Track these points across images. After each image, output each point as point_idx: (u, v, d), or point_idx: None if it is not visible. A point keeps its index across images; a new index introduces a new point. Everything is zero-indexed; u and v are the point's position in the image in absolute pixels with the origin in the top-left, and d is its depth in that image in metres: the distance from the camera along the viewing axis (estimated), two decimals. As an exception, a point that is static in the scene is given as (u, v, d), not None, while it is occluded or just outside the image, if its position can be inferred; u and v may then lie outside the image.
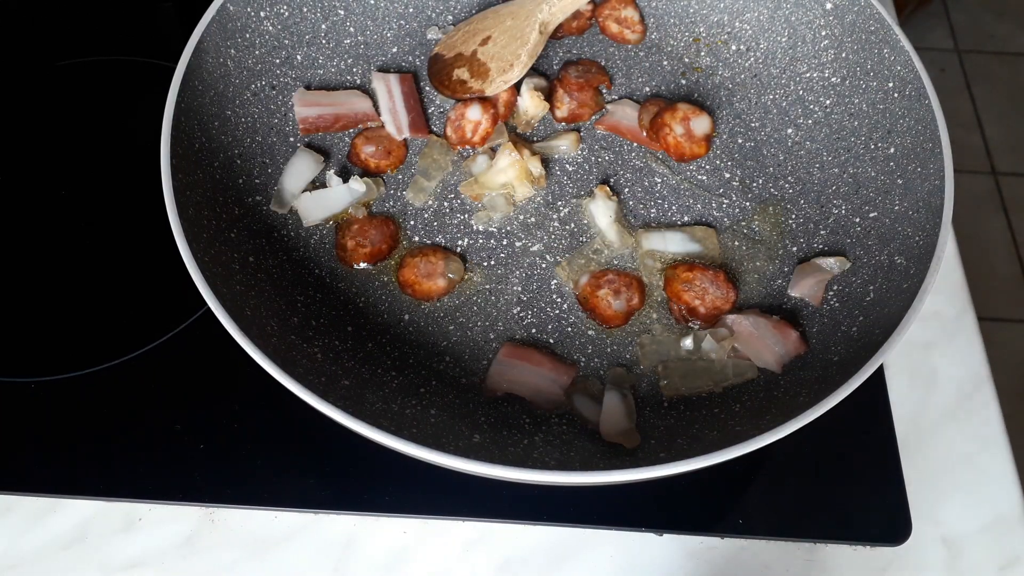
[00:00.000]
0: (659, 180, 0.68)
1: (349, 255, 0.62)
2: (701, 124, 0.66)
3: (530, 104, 0.68)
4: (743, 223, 0.66)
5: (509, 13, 0.69)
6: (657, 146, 0.68)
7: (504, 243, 0.64)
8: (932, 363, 0.67)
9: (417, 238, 0.64)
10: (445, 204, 0.66)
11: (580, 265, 0.63)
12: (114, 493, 0.59)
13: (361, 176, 0.65)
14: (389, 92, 0.69)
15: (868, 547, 0.59)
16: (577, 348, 0.60)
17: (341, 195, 0.64)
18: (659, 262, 0.63)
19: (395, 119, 0.68)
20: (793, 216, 0.66)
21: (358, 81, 0.71)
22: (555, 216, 0.66)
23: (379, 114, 0.68)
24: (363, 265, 0.62)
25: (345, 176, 0.65)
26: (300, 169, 0.65)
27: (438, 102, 0.71)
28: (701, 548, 0.59)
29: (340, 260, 0.63)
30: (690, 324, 0.60)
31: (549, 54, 0.74)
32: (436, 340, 0.60)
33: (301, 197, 0.64)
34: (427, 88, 0.71)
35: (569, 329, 0.61)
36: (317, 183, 0.66)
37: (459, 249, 0.64)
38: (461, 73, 0.69)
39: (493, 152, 0.67)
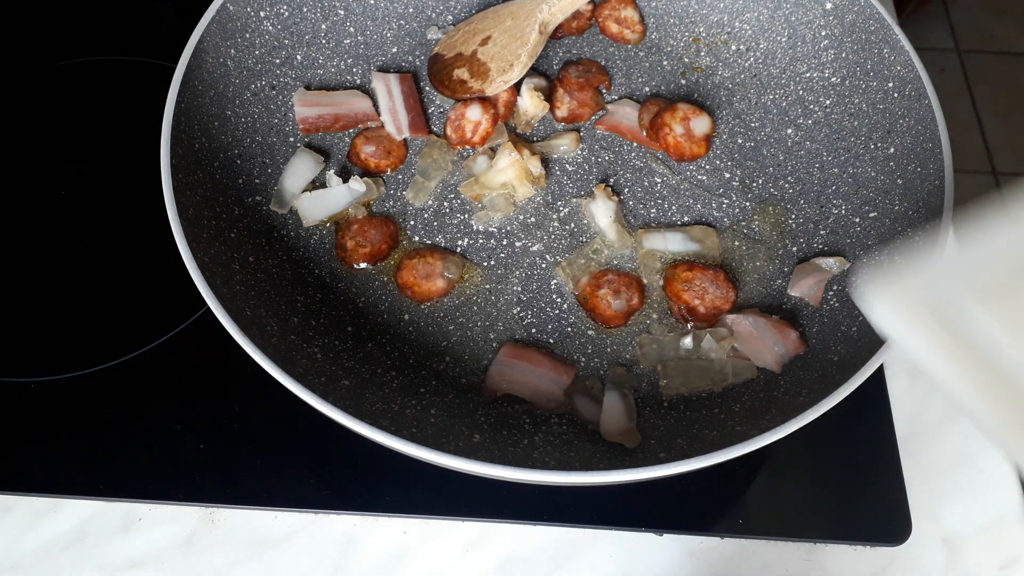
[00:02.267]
0: (659, 180, 0.68)
1: (349, 255, 0.62)
2: (701, 124, 0.66)
3: (530, 104, 0.68)
4: (743, 223, 0.66)
5: (509, 13, 0.69)
6: (657, 146, 0.68)
7: (504, 243, 0.64)
8: (932, 363, 0.67)
9: (417, 238, 0.64)
10: (445, 204, 0.66)
11: (580, 265, 0.63)
12: (114, 493, 0.59)
13: (361, 176, 0.65)
14: (389, 92, 0.69)
15: (868, 547, 0.59)
16: (577, 348, 0.60)
17: (341, 195, 0.64)
18: (659, 262, 0.63)
19: (395, 119, 0.68)
20: (793, 216, 0.66)
21: (358, 81, 0.71)
22: (555, 216, 0.66)
23: (379, 114, 0.68)
24: (363, 265, 0.62)
25: (345, 176, 0.65)
26: (300, 169, 0.65)
27: (438, 102, 0.71)
28: (701, 548, 0.59)
29: (340, 260, 0.63)
30: (690, 324, 0.60)
31: (549, 54, 0.74)
32: (436, 340, 0.60)
33: (301, 197, 0.64)
34: (427, 88, 0.71)
35: (569, 329, 0.61)
36: (317, 183, 0.66)
37: (459, 249, 0.64)
38: (461, 73, 0.69)
39: (493, 152, 0.67)
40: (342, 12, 0.70)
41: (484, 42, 0.69)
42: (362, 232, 0.62)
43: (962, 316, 0.26)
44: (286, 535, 0.59)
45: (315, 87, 0.69)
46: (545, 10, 0.66)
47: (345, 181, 0.64)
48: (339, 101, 0.68)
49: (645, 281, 0.62)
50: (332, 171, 0.65)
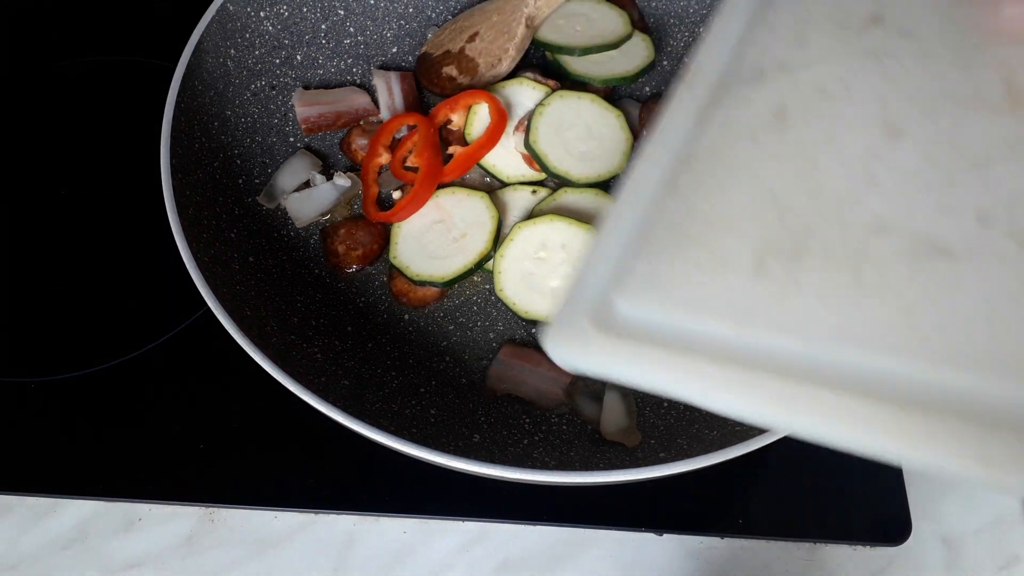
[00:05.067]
0: (659, 180, 0.68)
1: (342, 260, 0.62)
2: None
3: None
4: (743, 223, 0.66)
5: (495, 9, 0.69)
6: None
7: (504, 243, 0.64)
8: (932, 363, 0.67)
9: (417, 238, 0.64)
10: (445, 204, 0.66)
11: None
12: (114, 493, 0.59)
13: (346, 172, 0.65)
14: (389, 89, 0.69)
15: (868, 547, 0.59)
16: (577, 348, 0.60)
17: (327, 192, 0.64)
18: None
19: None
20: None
21: (358, 81, 0.71)
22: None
23: (379, 110, 0.68)
24: (356, 268, 0.62)
25: (329, 176, 0.65)
26: (296, 168, 0.65)
27: (422, 97, 0.71)
28: (701, 548, 0.59)
29: (334, 267, 0.62)
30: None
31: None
32: (436, 340, 0.60)
33: (289, 199, 0.64)
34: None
35: (569, 329, 0.61)
36: (302, 185, 0.65)
37: (459, 249, 0.64)
38: (450, 70, 0.69)
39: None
40: (342, 12, 0.70)
41: (471, 39, 0.69)
42: (350, 235, 0.62)
43: (612, 311, 0.32)
44: (286, 535, 0.59)
45: (315, 87, 0.69)
46: (531, 4, 0.66)
47: (329, 179, 0.65)
48: (339, 98, 0.68)
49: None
50: (315, 171, 0.65)
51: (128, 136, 0.76)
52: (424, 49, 0.72)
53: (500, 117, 0.62)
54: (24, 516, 0.59)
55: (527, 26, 0.67)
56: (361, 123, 0.68)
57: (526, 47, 0.68)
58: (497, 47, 0.67)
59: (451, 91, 0.68)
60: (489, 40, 0.68)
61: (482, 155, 0.62)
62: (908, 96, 0.33)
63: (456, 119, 0.65)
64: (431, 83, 0.70)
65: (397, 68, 0.72)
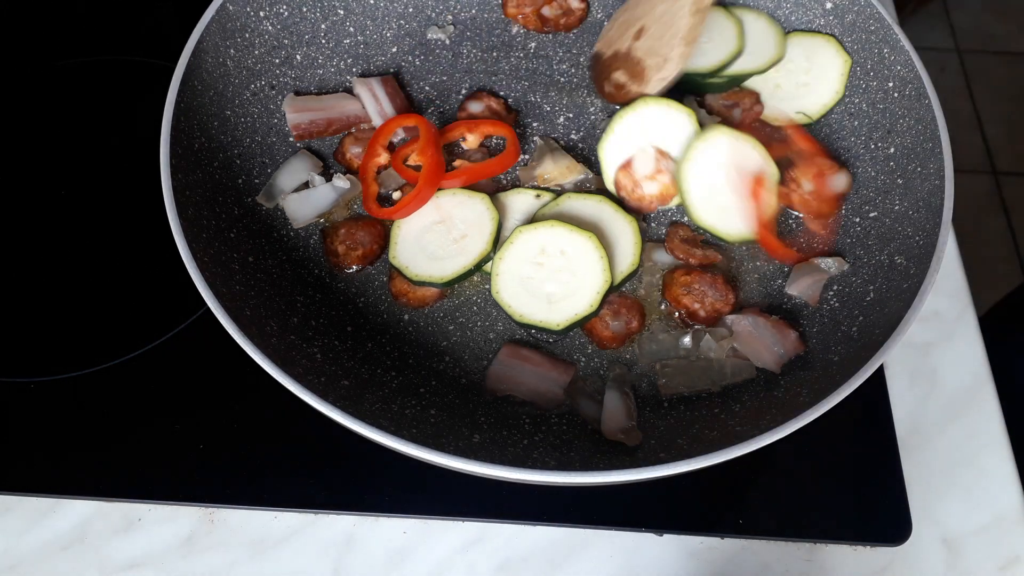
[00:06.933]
0: (659, 180, 0.68)
1: (342, 259, 0.62)
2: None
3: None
4: (743, 223, 0.66)
5: None
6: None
7: (504, 243, 0.64)
8: (932, 363, 0.67)
9: (417, 238, 0.64)
10: (445, 204, 0.66)
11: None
12: (114, 493, 0.59)
13: (345, 173, 0.65)
14: (374, 96, 0.68)
15: (868, 547, 0.59)
16: (577, 348, 0.60)
17: (326, 193, 0.64)
18: (659, 266, 0.63)
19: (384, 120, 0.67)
20: (793, 216, 0.66)
21: (358, 81, 0.71)
22: (555, 216, 0.65)
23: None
24: (356, 268, 0.62)
25: (328, 177, 0.65)
26: (296, 169, 0.65)
27: (422, 96, 0.70)
28: (701, 548, 0.59)
29: (334, 267, 0.62)
30: (690, 327, 0.60)
31: (549, 53, 0.73)
32: (436, 340, 0.60)
33: (288, 199, 0.64)
34: (413, 83, 0.71)
35: (569, 329, 0.61)
36: (301, 186, 0.65)
37: (459, 249, 0.64)
38: (619, 76, 0.66)
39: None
40: (342, 12, 0.70)
41: (638, 35, 0.65)
42: (350, 235, 0.62)
43: None
44: (286, 535, 0.59)
45: (314, 87, 0.69)
46: None
47: (328, 181, 0.64)
48: (329, 105, 0.67)
49: (644, 292, 0.62)
50: (315, 172, 0.65)
51: (128, 136, 0.76)
52: (596, 48, 0.69)
53: (515, 150, 0.64)
54: (24, 516, 0.59)
55: (694, 13, 0.61)
56: (353, 131, 0.67)
57: (697, 37, 0.63)
58: (664, 44, 0.63)
59: (620, 100, 0.65)
60: (656, 36, 0.64)
61: (487, 175, 0.62)
62: None
63: (471, 139, 0.65)
64: (602, 90, 0.68)
65: (397, 69, 0.72)
